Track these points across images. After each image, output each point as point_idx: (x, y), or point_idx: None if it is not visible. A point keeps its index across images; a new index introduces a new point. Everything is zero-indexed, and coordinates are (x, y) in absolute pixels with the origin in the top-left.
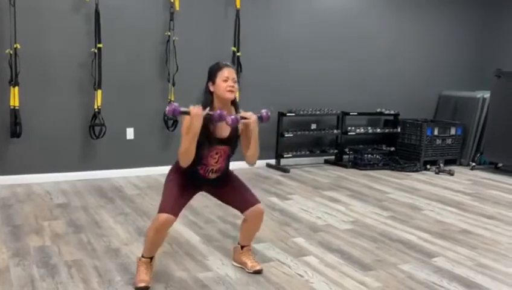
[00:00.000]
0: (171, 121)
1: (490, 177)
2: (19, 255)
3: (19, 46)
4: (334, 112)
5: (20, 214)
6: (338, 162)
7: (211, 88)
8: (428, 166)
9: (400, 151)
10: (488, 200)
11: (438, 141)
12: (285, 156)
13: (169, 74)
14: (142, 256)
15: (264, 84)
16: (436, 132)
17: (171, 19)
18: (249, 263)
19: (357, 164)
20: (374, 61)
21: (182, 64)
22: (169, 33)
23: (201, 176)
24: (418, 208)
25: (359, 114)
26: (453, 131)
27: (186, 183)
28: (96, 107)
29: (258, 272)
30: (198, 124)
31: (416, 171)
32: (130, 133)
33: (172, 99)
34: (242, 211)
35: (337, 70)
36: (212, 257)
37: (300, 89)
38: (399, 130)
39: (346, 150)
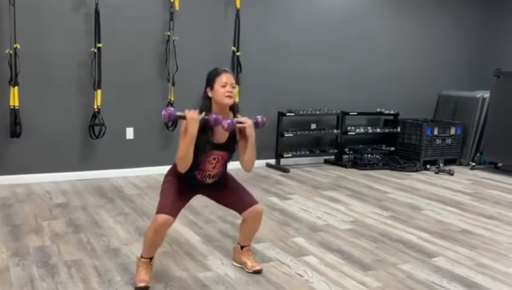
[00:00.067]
0: (172, 120)
1: (490, 177)
2: (18, 255)
3: (18, 46)
4: (334, 111)
5: (20, 214)
6: (338, 162)
7: (210, 94)
8: (428, 166)
9: (400, 151)
10: (488, 200)
11: (438, 141)
12: (285, 156)
13: (169, 74)
14: (142, 256)
15: (264, 84)
16: (436, 132)
17: (171, 19)
18: (249, 263)
19: (357, 164)
20: (373, 61)
21: (181, 64)
22: (169, 33)
23: (199, 181)
24: (418, 208)
25: (359, 114)
26: (452, 131)
27: (183, 186)
28: (96, 107)
29: (258, 272)
30: (194, 129)
31: (416, 171)
32: (129, 133)
33: (172, 99)
34: (240, 213)
35: (336, 70)
36: (212, 257)
37: (300, 89)
38: (399, 130)
39: (346, 149)
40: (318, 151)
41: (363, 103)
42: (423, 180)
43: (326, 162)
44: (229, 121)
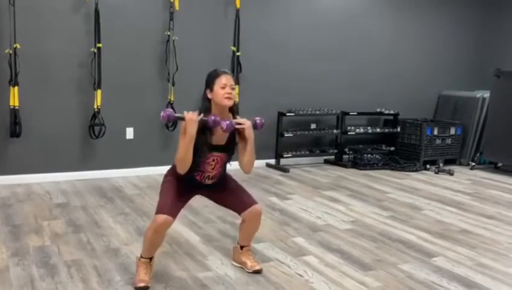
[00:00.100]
0: (171, 121)
1: (490, 177)
2: (18, 255)
3: (18, 46)
4: (333, 111)
5: (20, 214)
6: (338, 162)
7: (209, 95)
8: (428, 166)
9: (400, 151)
10: (488, 200)
11: (438, 141)
12: (285, 155)
13: (169, 74)
14: (141, 256)
15: (263, 84)
16: (435, 132)
17: (171, 19)
18: (249, 263)
19: (357, 164)
20: (373, 61)
21: (181, 64)
22: (169, 33)
23: (198, 182)
24: (417, 208)
25: (359, 114)
26: (452, 131)
27: (183, 186)
28: (95, 106)
29: (258, 272)
30: (193, 130)
31: (416, 171)
32: (129, 133)
33: (172, 99)
34: (240, 213)
35: (336, 70)
36: (211, 257)
37: (300, 89)
38: (399, 129)
39: (346, 149)
40: (318, 151)
41: (363, 103)
42: (423, 180)
43: (326, 162)
44: (227, 122)
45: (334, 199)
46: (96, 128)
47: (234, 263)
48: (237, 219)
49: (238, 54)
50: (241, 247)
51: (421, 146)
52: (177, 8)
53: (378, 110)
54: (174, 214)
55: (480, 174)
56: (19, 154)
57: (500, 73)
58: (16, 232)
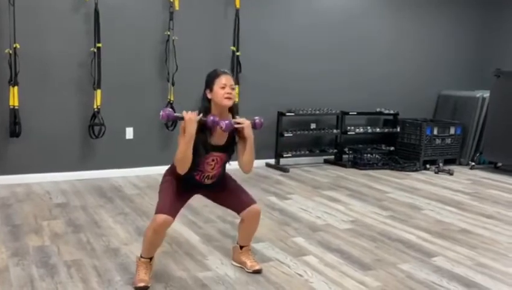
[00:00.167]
0: (171, 121)
1: (489, 177)
2: (18, 254)
3: (18, 46)
4: (333, 111)
5: (20, 214)
6: (337, 161)
7: (209, 95)
8: (427, 166)
9: (400, 151)
10: (488, 199)
11: (438, 141)
12: (284, 155)
13: (168, 74)
14: (141, 256)
15: (263, 84)
16: (435, 132)
17: (171, 19)
18: (248, 263)
19: (357, 164)
20: (373, 61)
21: (181, 64)
22: (168, 33)
23: (197, 182)
24: (417, 208)
25: (358, 114)
26: (452, 130)
27: (182, 186)
28: (95, 106)
29: (258, 272)
30: (192, 129)
31: (416, 170)
32: (129, 133)
33: (172, 99)
34: (238, 212)
35: (336, 70)
36: (211, 257)
37: (300, 89)
38: (398, 129)
39: (346, 149)
40: (318, 151)
41: (363, 103)
42: (423, 180)
43: (326, 162)
44: (227, 121)
45: (333, 199)
46: (96, 128)
47: (234, 263)
48: (237, 219)
49: (237, 54)
50: (241, 247)
51: (421, 146)
52: (177, 8)
53: (378, 110)
54: (173, 213)
55: (480, 174)
56: (19, 154)
57: (500, 73)
58: (16, 232)
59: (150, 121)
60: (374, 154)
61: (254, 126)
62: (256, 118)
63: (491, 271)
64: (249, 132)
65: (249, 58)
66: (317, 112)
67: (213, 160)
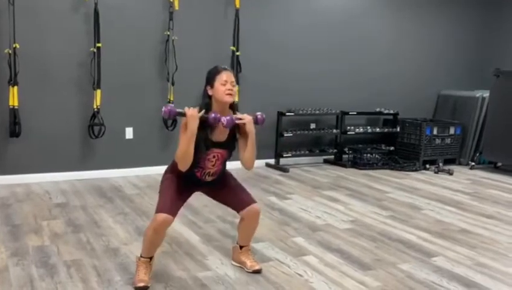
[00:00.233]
0: (171, 121)
1: (489, 177)
2: (17, 254)
3: (18, 46)
4: (333, 111)
5: (19, 214)
6: (337, 161)
7: (210, 92)
8: (427, 165)
9: (399, 151)
10: (488, 199)
11: (437, 141)
12: (284, 155)
13: (168, 74)
14: (141, 256)
15: (263, 84)
16: (435, 132)
17: (171, 19)
18: (248, 263)
19: (357, 164)
20: (373, 61)
21: (181, 64)
22: (168, 33)
23: (198, 179)
24: (417, 208)
25: (358, 114)
26: (452, 130)
27: (182, 184)
28: (95, 106)
29: (257, 272)
30: (194, 126)
31: (416, 170)
32: (129, 133)
33: (172, 98)
34: (238, 211)
35: (336, 70)
36: (211, 257)
37: (300, 89)
38: (398, 129)
39: (346, 149)
40: (318, 151)
41: (363, 103)
42: (423, 180)
43: (326, 161)
44: (228, 117)
45: (333, 199)
46: (96, 128)
47: (234, 263)
48: (237, 219)
49: (237, 53)
50: (241, 247)
51: (421, 146)
52: (176, 8)
53: (377, 109)
54: (174, 212)
55: (480, 174)
56: (19, 154)
57: (500, 73)
58: (16, 232)
59: (150, 121)
60: (373, 154)
61: (256, 122)
62: (258, 113)
63: (491, 271)
64: (250, 127)
65: (248, 58)
66: (317, 111)
67: (214, 156)
